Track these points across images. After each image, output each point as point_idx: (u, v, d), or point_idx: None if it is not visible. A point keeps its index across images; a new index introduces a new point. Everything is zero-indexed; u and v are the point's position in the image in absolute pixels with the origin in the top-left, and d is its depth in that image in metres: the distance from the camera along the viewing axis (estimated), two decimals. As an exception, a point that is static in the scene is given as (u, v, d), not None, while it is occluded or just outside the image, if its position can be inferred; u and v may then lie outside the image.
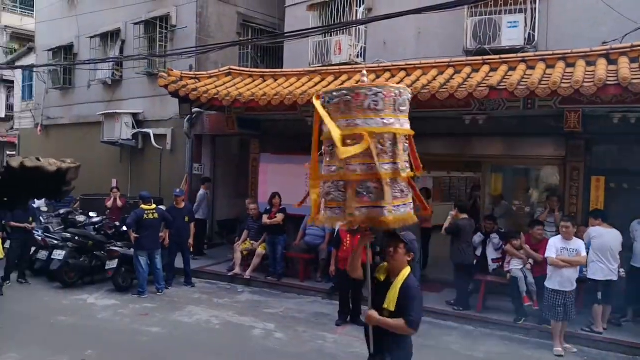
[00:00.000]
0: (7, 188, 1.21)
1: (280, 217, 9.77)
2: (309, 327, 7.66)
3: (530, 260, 7.75)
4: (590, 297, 7.33)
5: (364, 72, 3.68)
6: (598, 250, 7.16)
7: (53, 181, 1.19)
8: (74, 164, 1.23)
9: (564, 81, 7.14)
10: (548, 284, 6.81)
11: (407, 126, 3.38)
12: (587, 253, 7.02)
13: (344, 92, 3.23)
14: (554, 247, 6.81)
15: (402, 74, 9.02)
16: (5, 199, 1.24)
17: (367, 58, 11.34)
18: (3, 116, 24.79)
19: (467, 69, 8.43)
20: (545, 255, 6.90)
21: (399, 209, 3.24)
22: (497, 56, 8.60)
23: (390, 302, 3.56)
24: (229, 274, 10.16)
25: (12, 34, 24.07)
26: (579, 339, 7.07)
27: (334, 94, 3.28)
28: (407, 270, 3.67)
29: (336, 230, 7.82)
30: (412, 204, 3.39)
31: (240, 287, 9.85)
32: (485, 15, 9.75)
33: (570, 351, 6.82)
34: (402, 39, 10.88)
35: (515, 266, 7.79)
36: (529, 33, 9.54)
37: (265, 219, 9.90)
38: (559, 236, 6.92)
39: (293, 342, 7.02)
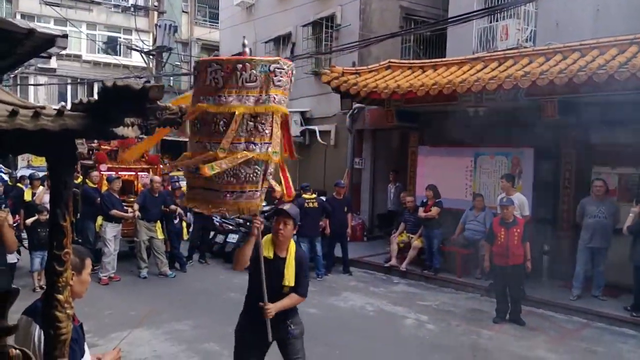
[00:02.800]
0: (103, 105, 1.43)
1: (435, 210, 9.55)
2: (463, 321, 7.38)
3: None
4: None
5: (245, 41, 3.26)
6: None
7: (139, 99, 1.36)
8: (157, 84, 1.39)
9: None
10: None
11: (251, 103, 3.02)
12: None
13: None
14: None
15: (576, 55, 8.20)
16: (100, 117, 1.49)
17: (537, 42, 10.54)
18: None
19: (655, 45, 7.38)
20: None
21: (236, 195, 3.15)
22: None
23: (290, 278, 3.72)
24: (385, 265, 10.24)
25: (202, 45, 27.16)
26: None
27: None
28: (293, 243, 3.83)
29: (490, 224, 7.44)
30: (257, 192, 3.23)
31: (396, 279, 9.87)
32: (682, -18, 8.43)
33: None
34: (577, 18, 9.90)
35: None
36: None
37: (420, 212, 9.77)
38: None
39: (445, 335, 6.83)
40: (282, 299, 3.75)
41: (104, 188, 9.81)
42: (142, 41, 20.56)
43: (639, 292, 7.34)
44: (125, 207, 9.59)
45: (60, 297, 1.73)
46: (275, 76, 3.00)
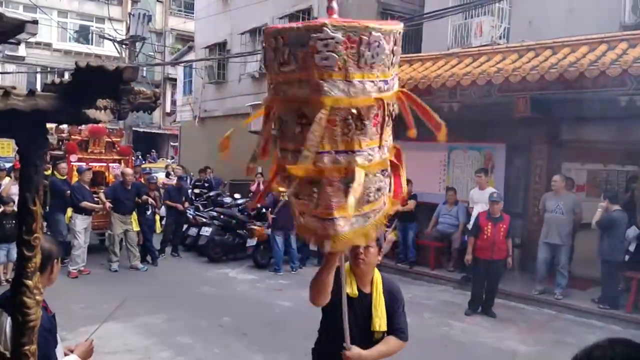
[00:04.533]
0: (76, 86, 1.40)
1: (411, 203, 9.62)
2: (436, 314, 7.48)
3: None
4: None
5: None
6: None
7: (113, 80, 1.33)
8: (132, 65, 1.36)
9: None
10: None
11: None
12: None
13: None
14: None
15: (548, 52, 8.34)
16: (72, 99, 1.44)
17: (511, 39, 10.69)
18: (168, 111, 27.69)
19: (623, 45, 7.54)
20: None
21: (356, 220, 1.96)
22: (661, 28, 7.59)
23: (381, 321, 2.74)
24: (360, 258, 10.27)
25: (176, 36, 26.81)
26: None
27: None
28: (378, 273, 2.86)
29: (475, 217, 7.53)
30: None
31: (370, 272, 9.91)
32: (650, -16, 8.66)
33: None
34: (550, 17, 10.05)
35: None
36: None
37: (396, 205, 9.83)
38: None
39: (417, 327, 6.83)
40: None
41: (74, 179, 9.60)
42: (115, 30, 20.16)
43: (606, 285, 7.55)
44: (96, 199, 9.40)
45: (29, 282, 1.68)
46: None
